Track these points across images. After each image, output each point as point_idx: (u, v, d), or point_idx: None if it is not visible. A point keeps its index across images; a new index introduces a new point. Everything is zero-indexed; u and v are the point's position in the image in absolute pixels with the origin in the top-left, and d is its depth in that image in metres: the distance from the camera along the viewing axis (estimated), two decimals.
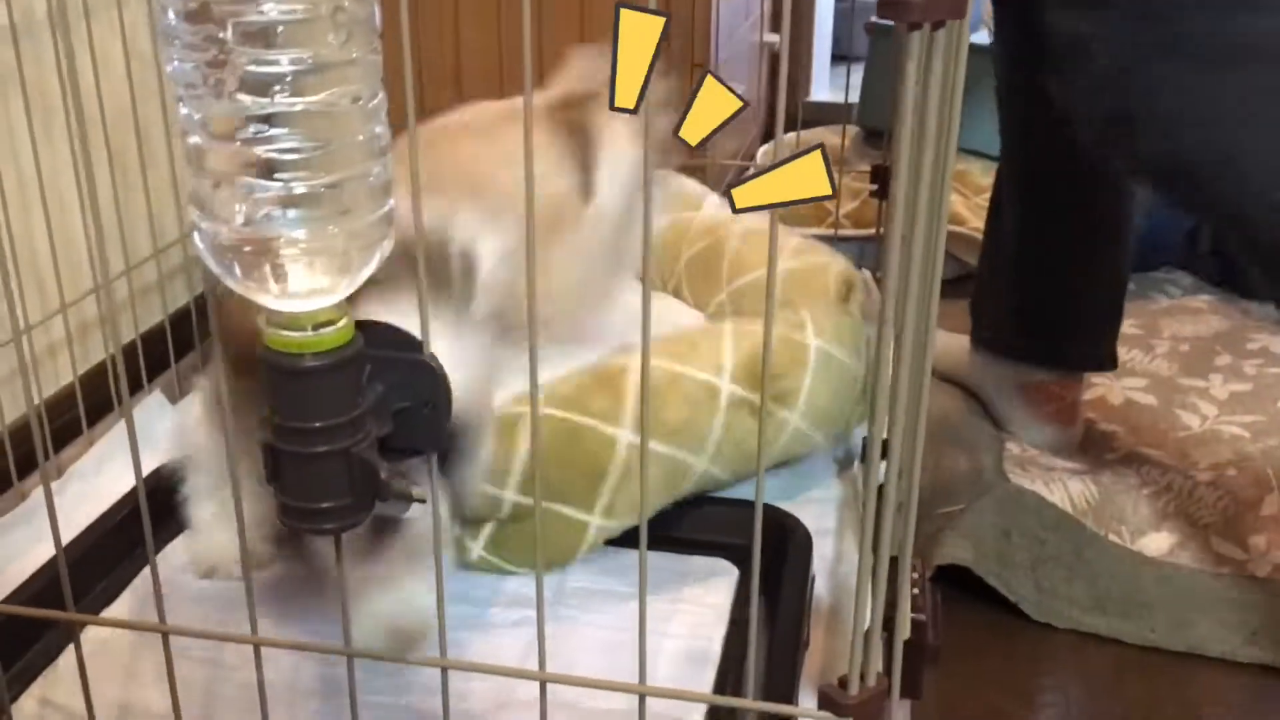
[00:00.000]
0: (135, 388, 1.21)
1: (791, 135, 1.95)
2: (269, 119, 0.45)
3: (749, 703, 0.64)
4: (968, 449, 1.31)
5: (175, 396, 1.26)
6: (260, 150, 0.45)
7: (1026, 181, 1.33)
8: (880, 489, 0.60)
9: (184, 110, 0.46)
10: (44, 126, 1.12)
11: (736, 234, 1.35)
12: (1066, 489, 1.23)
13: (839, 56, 2.61)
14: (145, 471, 1.03)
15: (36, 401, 1.11)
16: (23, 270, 1.11)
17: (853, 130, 2.04)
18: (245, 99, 0.44)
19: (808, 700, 0.81)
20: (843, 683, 0.63)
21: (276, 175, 0.45)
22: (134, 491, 0.99)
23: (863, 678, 0.62)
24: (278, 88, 0.44)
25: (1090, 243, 1.30)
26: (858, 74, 2.03)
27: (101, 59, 1.12)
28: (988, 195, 1.85)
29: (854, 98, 1.99)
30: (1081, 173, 1.23)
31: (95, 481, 1.09)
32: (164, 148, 1.21)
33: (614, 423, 0.95)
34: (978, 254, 1.75)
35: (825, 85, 2.56)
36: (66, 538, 0.94)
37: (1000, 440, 1.34)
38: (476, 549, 0.97)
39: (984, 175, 1.88)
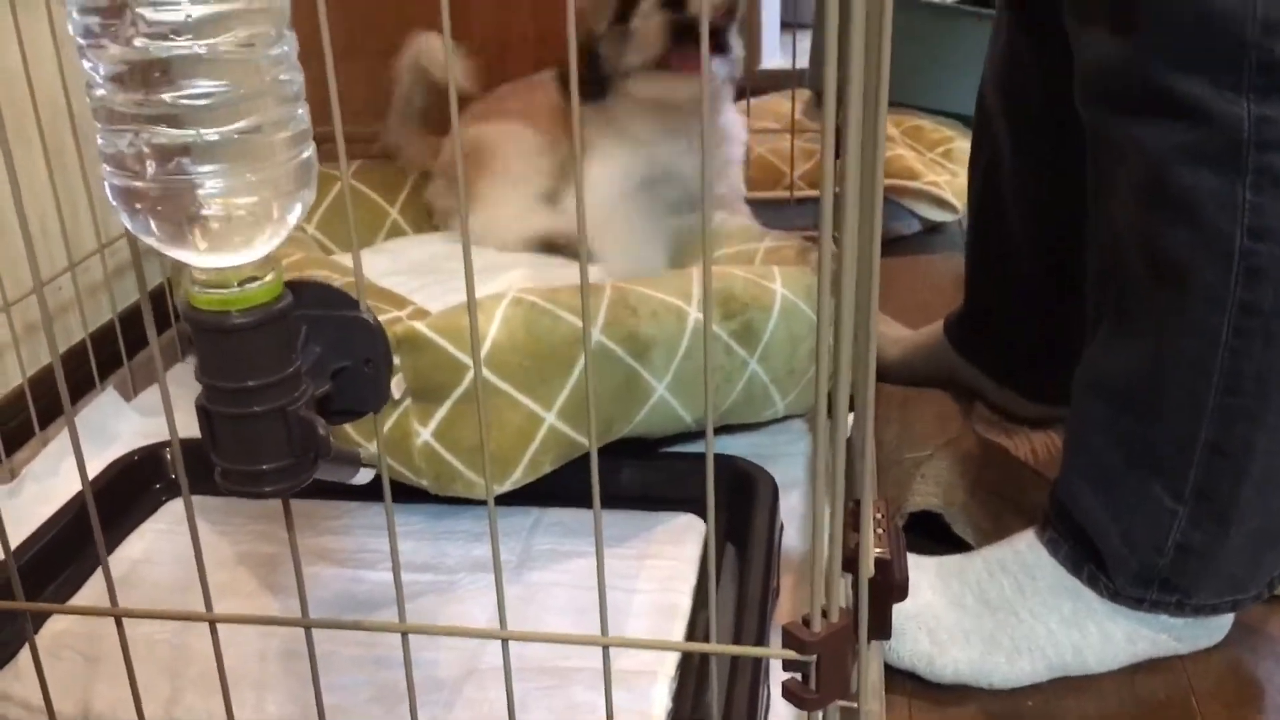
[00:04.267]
0: (87, 386, 1.20)
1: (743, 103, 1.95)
2: (174, 66, 0.44)
3: (713, 646, 0.63)
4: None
5: (130, 394, 1.24)
6: (167, 97, 0.44)
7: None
8: (834, 426, 0.59)
9: (86, 64, 0.45)
10: None
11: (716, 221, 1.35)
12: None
13: (787, 24, 2.62)
14: (103, 465, 1.03)
15: None
16: None
17: (804, 94, 2.03)
18: (146, 44, 0.43)
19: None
20: (808, 621, 0.62)
21: (186, 122, 0.44)
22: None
23: (825, 615, 0.62)
24: (179, 32, 0.43)
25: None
26: (805, 40, 2.03)
27: (31, 52, 1.10)
28: (941, 150, 1.86)
29: (803, 63, 1.99)
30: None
31: (51, 482, 1.07)
32: None
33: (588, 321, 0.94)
34: (930, 208, 1.75)
35: (775, 52, 2.56)
36: (24, 535, 0.93)
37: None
38: (425, 434, 0.94)
39: (935, 131, 1.89)
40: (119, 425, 1.16)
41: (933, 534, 1.07)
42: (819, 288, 0.55)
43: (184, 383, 1.27)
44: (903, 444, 1.19)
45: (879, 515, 0.79)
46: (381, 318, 0.76)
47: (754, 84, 1.91)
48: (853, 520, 0.69)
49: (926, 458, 1.15)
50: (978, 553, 0.97)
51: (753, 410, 1.05)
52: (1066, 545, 0.92)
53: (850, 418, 0.76)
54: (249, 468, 0.53)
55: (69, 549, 0.94)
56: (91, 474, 0.99)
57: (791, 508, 1.00)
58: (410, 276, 1.28)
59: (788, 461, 1.07)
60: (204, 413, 0.52)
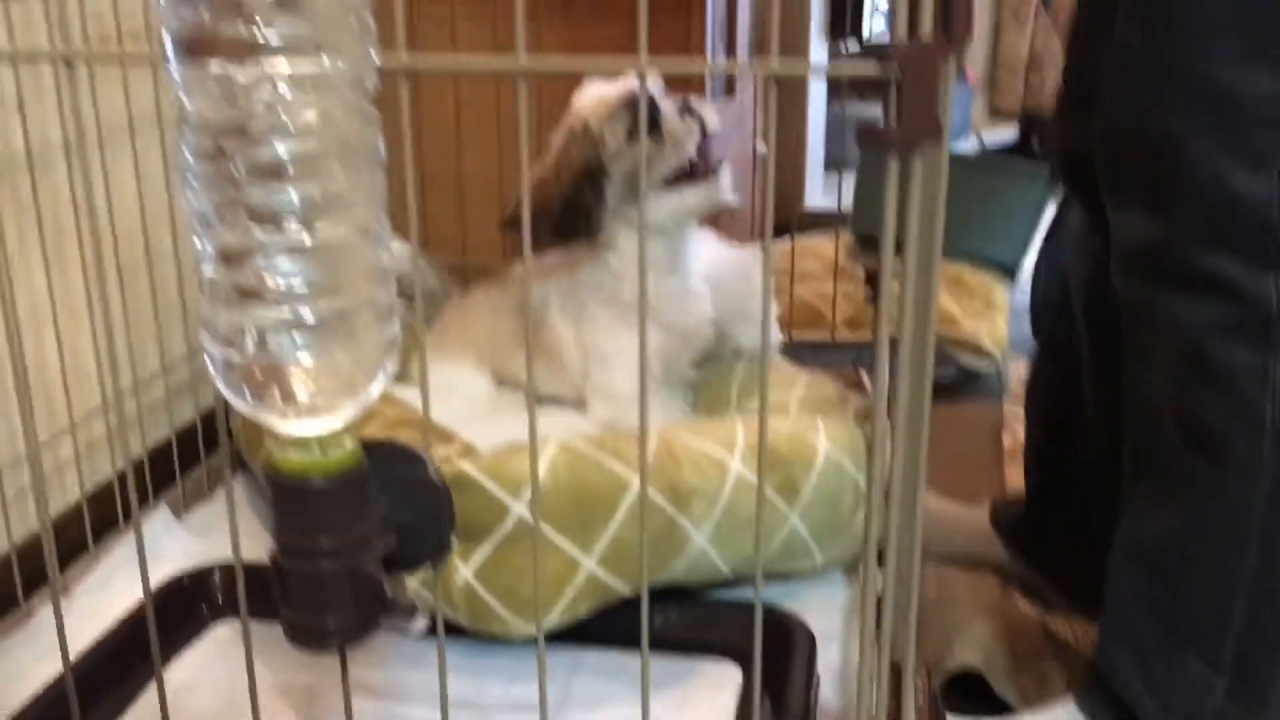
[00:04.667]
0: (142, 503, 1.22)
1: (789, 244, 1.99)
2: (280, 251, 0.47)
3: None
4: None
5: (180, 512, 1.27)
6: (270, 279, 0.47)
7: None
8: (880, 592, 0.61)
9: (198, 243, 0.48)
10: (55, 247, 1.15)
11: (743, 365, 1.36)
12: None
13: (831, 164, 2.67)
14: (152, 585, 1.05)
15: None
16: (32, 389, 1.13)
17: (847, 236, 2.07)
18: (256, 232, 0.46)
19: None
20: None
21: (286, 303, 0.47)
22: (139, 608, 0.99)
23: None
24: (288, 220, 0.46)
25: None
26: (850, 181, 2.07)
27: (114, 184, 1.16)
28: (981, 299, 1.88)
29: (847, 203, 2.03)
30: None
31: (101, 597, 1.09)
32: (172, 269, 1.23)
33: (632, 468, 0.97)
34: (970, 356, 1.77)
35: (819, 192, 2.61)
36: (71, 654, 0.95)
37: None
38: (466, 573, 0.94)
39: (975, 279, 1.92)
40: (167, 545, 1.18)
41: (973, 691, 1.07)
42: (869, 446, 0.57)
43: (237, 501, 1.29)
44: (943, 603, 1.19)
45: (918, 682, 0.80)
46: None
47: (799, 223, 1.96)
48: (893, 687, 0.70)
49: (966, 619, 1.15)
50: (1017, 718, 0.97)
51: (791, 563, 1.06)
52: (1105, 715, 0.92)
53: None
54: (316, 623, 0.55)
55: (115, 672, 0.96)
56: (140, 594, 1.01)
57: (829, 661, 1.00)
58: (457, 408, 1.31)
59: (825, 612, 1.07)
60: (276, 568, 0.55)
